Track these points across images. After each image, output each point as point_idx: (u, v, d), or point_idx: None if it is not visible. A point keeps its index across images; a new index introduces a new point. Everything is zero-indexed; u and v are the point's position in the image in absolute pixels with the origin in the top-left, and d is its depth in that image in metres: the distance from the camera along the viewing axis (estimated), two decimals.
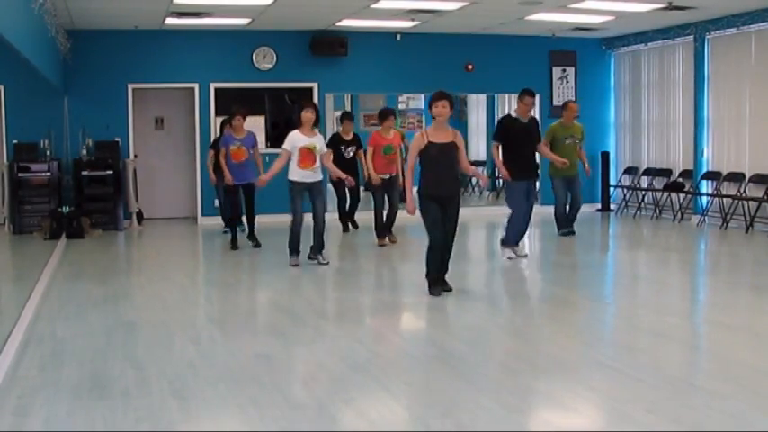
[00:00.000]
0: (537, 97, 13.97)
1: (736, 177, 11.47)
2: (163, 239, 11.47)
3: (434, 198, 6.79)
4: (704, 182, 12.19)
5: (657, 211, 12.84)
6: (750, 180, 11.29)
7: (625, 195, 13.60)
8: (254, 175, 9.54)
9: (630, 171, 13.83)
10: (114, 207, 11.89)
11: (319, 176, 8.45)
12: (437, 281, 7.00)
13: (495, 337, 5.94)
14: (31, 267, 9.16)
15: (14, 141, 11.70)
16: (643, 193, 13.25)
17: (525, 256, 8.92)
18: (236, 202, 9.93)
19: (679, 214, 12.42)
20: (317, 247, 8.57)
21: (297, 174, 8.31)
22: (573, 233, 10.55)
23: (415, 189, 7.04)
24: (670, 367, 5.06)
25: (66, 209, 11.23)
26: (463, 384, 4.71)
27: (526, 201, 8.76)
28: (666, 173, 12.99)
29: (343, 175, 8.83)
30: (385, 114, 10.10)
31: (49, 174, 11.54)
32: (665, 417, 4.07)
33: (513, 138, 8.66)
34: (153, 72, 12.47)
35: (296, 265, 8.45)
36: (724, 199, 11.50)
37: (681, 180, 12.57)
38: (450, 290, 7.04)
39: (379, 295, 7.75)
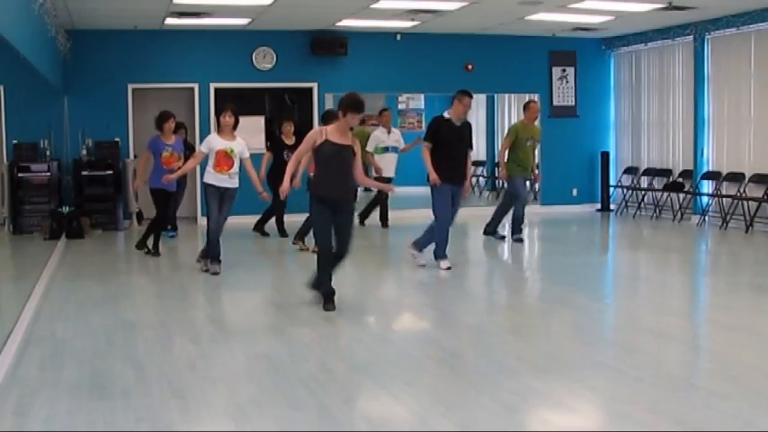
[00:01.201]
0: (536, 97, 14.12)
1: (736, 177, 11.48)
2: (163, 239, 11.46)
3: (323, 200, 6.46)
4: (704, 182, 12.20)
5: (657, 211, 12.85)
6: (750, 180, 11.29)
7: (625, 195, 13.60)
8: (178, 180, 9.45)
9: (630, 171, 13.83)
10: (114, 207, 11.89)
11: (235, 184, 8.18)
12: (332, 295, 6.53)
13: (495, 337, 5.93)
14: (31, 267, 9.16)
15: (14, 141, 11.70)
16: (643, 193, 13.25)
17: (449, 268, 8.28)
18: (167, 205, 9.74)
19: (679, 214, 12.42)
20: (214, 255, 8.28)
21: (212, 177, 8.13)
22: (522, 240, 10.23)
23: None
24: (670, 367, 5.06)
25: (66, 209, 11.23)
26: (463, 384, 4.71)
27: (451, 206, 8.28)
28: (666, 173, 13.00)
29: (260, 189, 8.37)
30: (328, 117, 9.24)
31: (48, 174, 11.53)
32: (665, 417, 4.07)
33: (444, 140, 8.19)
34: (153, 72, 12.47)
35: (216, 273, 8.18)
36: (724, 199, 11.50)
37: (681, 180, 12.57)
38: (333, 309, 6.51)
39: (379, 295, 7.75)
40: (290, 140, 10.55)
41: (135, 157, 12.43)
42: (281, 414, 4.20)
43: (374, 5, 10.60)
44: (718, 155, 12.04)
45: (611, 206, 13.98)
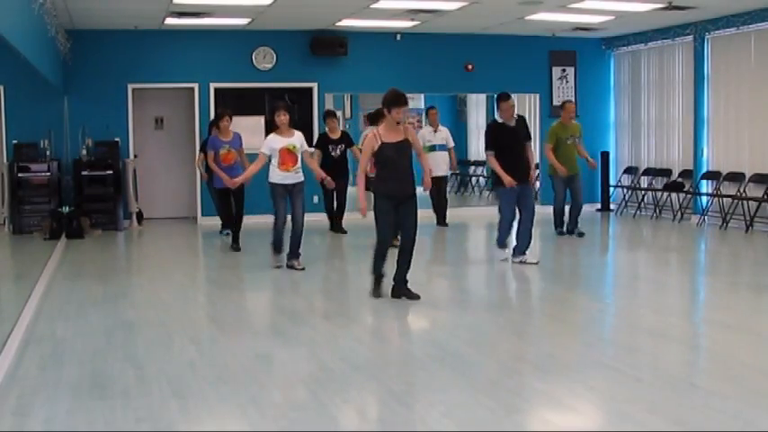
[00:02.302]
0: (537, 97, 14.16)
1: (736, 177, 11.47)
2: (163, 239, 11.48)
3: (391, 197, 6.73)
4: (704, 182, 12.19)
5: (657, 211, 12.84)
6: (750, 180, 11.29)
7: (625, 195, 13.60)
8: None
9: (630, 171, 13.83)
10: (114, 207, 11.88)
11: (300, 178, 8.34)
12: (382, 280, 6.94)
13: (495, 337, 5.94)
14: (31, 267, 9.16)
15: (14, 141, 11.68)
16: (643, 192, 13.25)
17: (537, 263, 8.62)
18: (229, 204, 9.93)
19: (679, 214, 12.42)
20: (294, 253, 8.43)
21: (278, 176, 8.25)
22: (582, 234, 10.55)
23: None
24: (670, 367, 5.06)
25: (66, 209, 11.22)
26: (463, 384, 4.71)
27: (523, 205, 8.63)
28: (666, 173, 12.99)
29: (324, 175, 8.56)
30: (376, 117, 9.50)
31: (48, 174, 11.52)
32: (665, 417, 4.07)
33: (503, 144, 8.50)
34: (153, 72, 12.47)
35: (279, 267, 8.40)
36: (724, 199, 11.50)
37: (681, 180, 12.57)
38: (418, 297, 6.85)
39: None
40: (335, 135, 10.72)
41: (135, 156, 12.45)
42: (281, 414, 4.21)
43: (374, 5, 10.60)
44: (717, 155, 12.03)
45: (611, 206, 13.98)
